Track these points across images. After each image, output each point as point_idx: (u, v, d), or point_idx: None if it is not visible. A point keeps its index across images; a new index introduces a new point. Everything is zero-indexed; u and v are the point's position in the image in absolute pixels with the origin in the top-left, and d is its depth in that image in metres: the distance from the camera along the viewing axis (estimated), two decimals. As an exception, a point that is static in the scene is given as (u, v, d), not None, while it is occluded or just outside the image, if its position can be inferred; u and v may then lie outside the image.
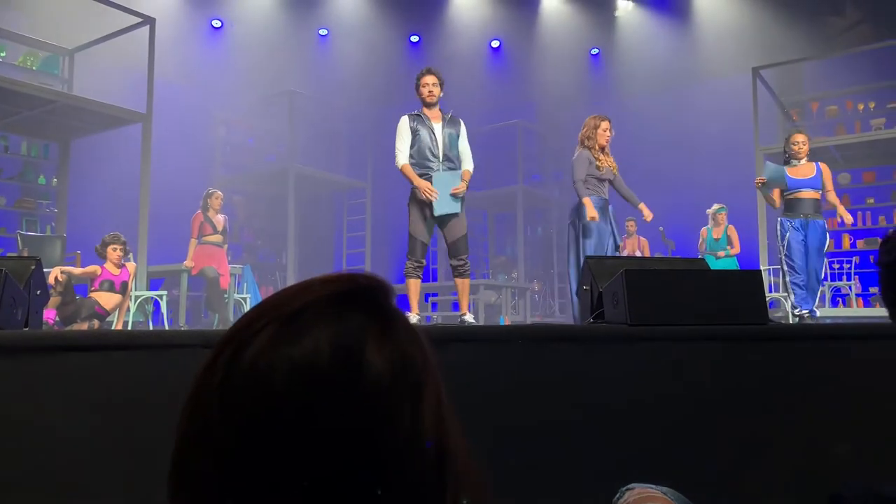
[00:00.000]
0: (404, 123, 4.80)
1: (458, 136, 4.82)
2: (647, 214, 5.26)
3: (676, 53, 9.89)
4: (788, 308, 7.20)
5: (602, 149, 5.18)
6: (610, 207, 5.19)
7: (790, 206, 5.49)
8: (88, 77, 7.62)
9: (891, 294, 0.69)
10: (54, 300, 5.16)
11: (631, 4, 10.32)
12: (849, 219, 5.50)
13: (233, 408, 0.52)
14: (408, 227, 4.75)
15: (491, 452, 2.00)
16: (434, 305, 9.50)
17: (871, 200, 8.31)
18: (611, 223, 5.14)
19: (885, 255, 0.69)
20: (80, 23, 7.45)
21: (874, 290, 8.01)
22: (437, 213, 4.65)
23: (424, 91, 4.76)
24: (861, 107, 8.64)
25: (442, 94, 4.81)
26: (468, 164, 4.88)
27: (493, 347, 2.36)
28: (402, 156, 4.76)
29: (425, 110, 4.80)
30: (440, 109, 4.83)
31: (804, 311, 5.43)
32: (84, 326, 5.36)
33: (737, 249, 7.53)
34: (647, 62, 10.03)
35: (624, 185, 5.32)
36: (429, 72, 4.82)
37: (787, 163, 5.57)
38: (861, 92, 8.67)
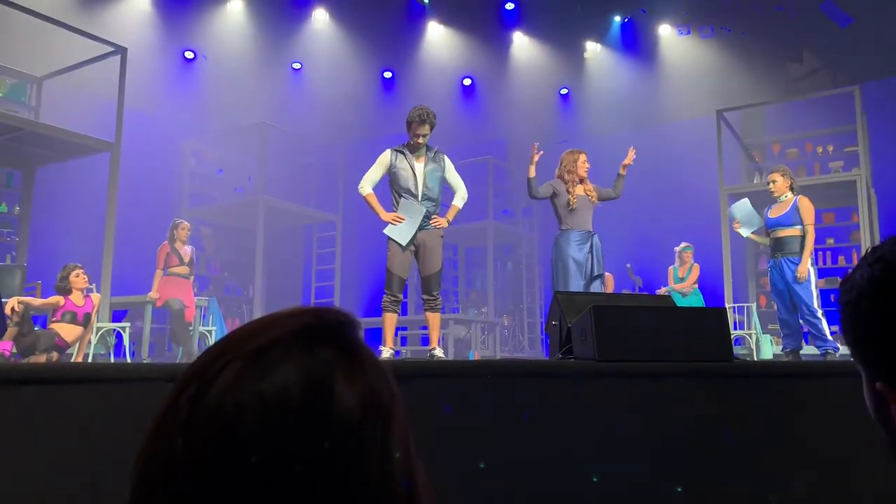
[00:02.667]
0: (385, 157, 4.81)
1: (441, 173, 4.83)
2: (630, 159, 5.34)
3: (643, 94, 10.14)
4: (753, 345, 7.32)
5: (581, 180, 5.27)
6: (595, 238, 5.20)
7: (772, 246, 5.40)
8: (57, 105, 7.53)
9: (851, 333, 0.71)
10: (11, 331, 5.01)
11: (599, 46, 10.58)
12: (802, 272, 5.14)
13: (198, 447, 0.50)
14: (385, 262, 4.74)
15: (457, 488, 1.98)
16: (403, 339, 9.43)
17: (831, 241, 8.53)
18: (592, 254, 5.15)
19: (844, 294, 0.71)
20: (50, 50, 7.38)
21: (834, 328, 8.17)
22: (385, 230, 4.70)
23: (415, 139, 4.73)
24: (820, 150, 8.91)
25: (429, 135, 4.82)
26: (461, 195, 4.93)
27: (463, 382, 2.35)
28: (367, 185, 4.81)
29: (411, 143, 4.79)
30: (426, 145, 4.83)
31: (787, 350, 5.39)
32: (42, 359, 5.20)
33: (687, 284, 7.71)
34: (614, 102, 10.26)
35: (609, 189, 5.36)
36: (425, 121, 4.67)
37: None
38: (820, 135, 8.96)
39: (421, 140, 4.72)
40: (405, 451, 0.55)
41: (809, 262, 5.25)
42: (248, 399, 0.50)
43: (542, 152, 5.14)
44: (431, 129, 4.75)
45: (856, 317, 0.69)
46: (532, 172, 5.16)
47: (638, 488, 2.22)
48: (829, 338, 5.18)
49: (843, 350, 5.29)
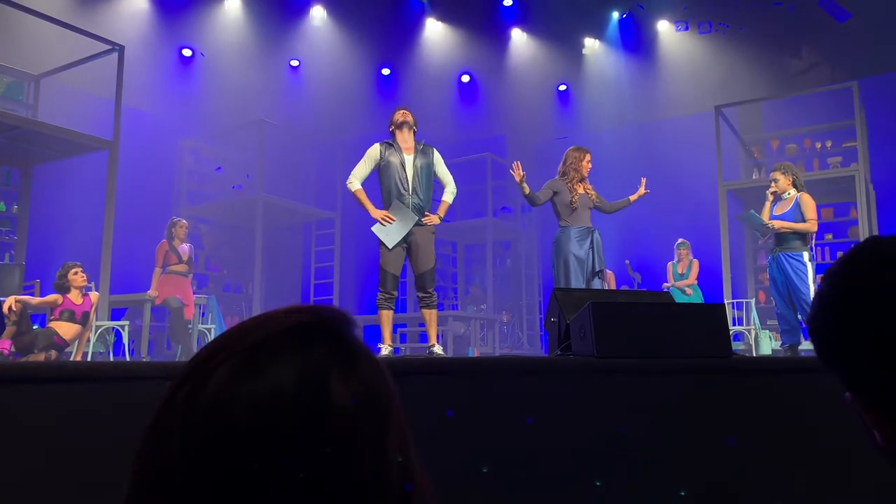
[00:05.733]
0: (374, 150, 4.82)
1: (431, 167, 4.84)
2: (642, 191, 5.43)
3: (642, 90, 10.13)
4: (751, 341, 7.33)
5: (582, 179, 5.29)
6: (595, 234, 5.21)
7: (773, 241, 5.49)
8: (54, 103, 7.52)
9: (815, 344, 0.72)
10: (9, 330, 5.01)
11: (597, 42, 10.57)
12: (773, 221, 5.31)
13: (193, 444, 0.50)
14: (378, 259, 4.75)
15: (456, 485, 1.98)
16: (402, 336, 9.43)
17: (829, 236, 8.53)
18: (593, 251, 5.14)
19: (812, 307, 0.72)
20: (47, 49, 7.37)
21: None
22: (373, 228, 4.72)
23: (398, 115, 4.83)
24: (819, 145, 8.92)
25: (415, 130, 4.85)
26: (450, 189, 4.94)
27: (462, 379, 2.35)
28: (356, 180, 4.82)
29: (399, 137, 4.81)
30: (414, 138, 4.85)
31: (785, 345, 5.41)
32: (41, 357, 5.20)
33: (690, 281, 7.73)
34: (613, 99, 10.25)
35: (609, 202, 5.42)
36: (401, 107, 4.94)
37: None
38: (818, 131, 8.96)
39: (401, 116, 4.82)
40: (402, 449, 0.55)
41: (798, 228, 5.27)
42: (242, 397, 0.50)
43: (524, 174, 5.12)
44: (413, 118, 4.84)
45: (813, 330, 0.71)
46: (526, 189, 5.16)
47: (637, 483, 2.22)
48: None
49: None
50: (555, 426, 2.26)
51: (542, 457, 2.20)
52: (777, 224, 5.36)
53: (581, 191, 5.23)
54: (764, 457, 2.33)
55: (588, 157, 5.32)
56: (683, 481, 2.25)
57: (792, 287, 5.24)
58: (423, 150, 4.83)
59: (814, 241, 5.47)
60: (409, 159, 4.76)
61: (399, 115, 4.83)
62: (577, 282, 5.03)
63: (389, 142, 4.83)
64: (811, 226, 5.30)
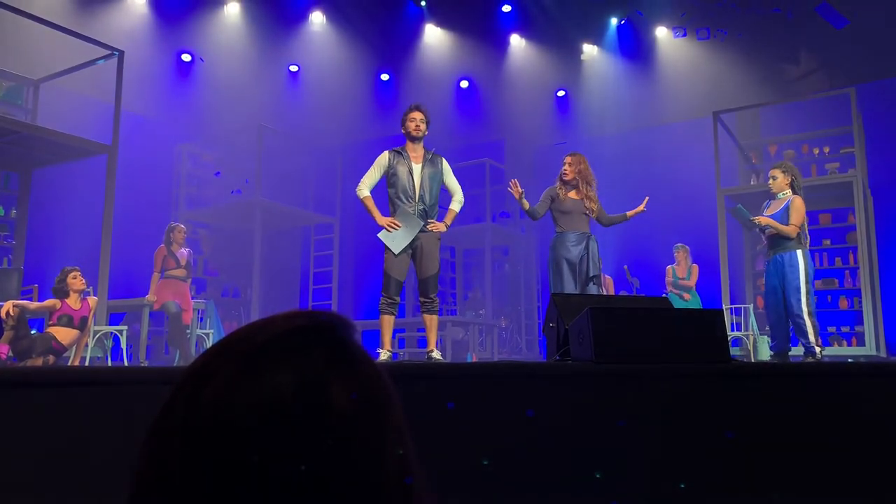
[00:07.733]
0: (383, 158, 4.83)
1: (438, 176, 4.85)
2: (641, 208, 5.44)
3: (640, 96, 10.16)
4: (750, 346, 7.33)
5: (567, 184, 5.29)
6: (591, 240, 5.21)
7: (767, 244, 5.42)
8: (54, 108, 7.53)
9: None
10: (7, 335, 5.00)
11: (596, 48, 10.60)
12: (762, 219, 5.26)
13: (194, 448, 0.50)
14: (383, 264, 4.75)
15: (453, 491, 1.98)
16: (401, 341, 9.43)
17: (828, 242, 8.53)
18: (588, 256, 5.14)
19: None
20: (47, 53, 7.39)
21: (832, 328, 8.20)
22: (379, 235, 4.72)
23: (411, 126, 4.79)
24: (816, 151, 8.93)
25: (427, 133, 4.85)
26: (458, 199, 4.96)
27: (460, 384, 2.35)
28: (365, 187, 4.83)
29: (409, 146, 4.83)
30: (423, 147, 4.87)
31: (773, 351, 5.35)
32: (39, 362, 5.19)
33: (690, 283, 7.74)
34: (611, 104, 10.28)
35: (608, 215, 5.43)
36: (417, 108, 4.86)
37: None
38: (816, 137, 8.97)
39: (414, 126, 4.77)
40: (401, 451, 0.55)
41: (780, 230, 5.20)
42: (242, 400, 0.51)
43: (523, 190, 5.16)
44: (427, 119, 4.80)
45: None
46: (526, 205, 5.23)
47: (635, 491, 2.22)
48: (811, 340, 5.10)
49: (826, 352, 5.23)
50: (554, 431, 2.26)
51: (541, 461, 2.20)
52: (763, 221, 5.32)
53: (574, 196, 5.25)
54: (762, 461, 2.33)
55: (566, 159, 5.39)
56: (682, 480, 2.25)
57: (786, 286, 5.15)
58: (431, 159, 4.85)
59: (808, 241, 5.37)
60: (416, 168, 4.78)
61: (412, 127, 4.78)
62: (569, 286, 5.05)
63: (398, 150, 4.84)
64: (791, 230, 5.18)
